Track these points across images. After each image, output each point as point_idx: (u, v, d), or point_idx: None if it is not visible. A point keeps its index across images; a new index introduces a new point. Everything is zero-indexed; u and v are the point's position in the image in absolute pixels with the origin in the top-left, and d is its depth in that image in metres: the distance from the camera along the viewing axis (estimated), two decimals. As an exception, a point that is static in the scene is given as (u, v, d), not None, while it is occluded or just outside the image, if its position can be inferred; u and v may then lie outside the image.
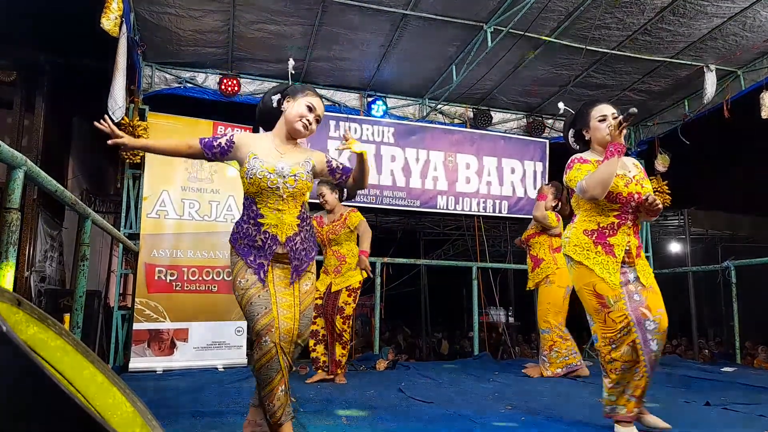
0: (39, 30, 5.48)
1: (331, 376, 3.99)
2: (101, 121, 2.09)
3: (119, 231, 4.72)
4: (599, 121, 2.51)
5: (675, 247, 12.70)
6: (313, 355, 4.05)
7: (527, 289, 4.71)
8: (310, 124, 2.26)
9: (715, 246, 10.93)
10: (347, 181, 2.40)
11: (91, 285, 4.63)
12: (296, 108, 2.25)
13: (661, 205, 2.38)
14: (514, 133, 6.74)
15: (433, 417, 2.82)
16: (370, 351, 5.95)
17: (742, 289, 5.55)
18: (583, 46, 4.97)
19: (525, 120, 6.77)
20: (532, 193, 6.49)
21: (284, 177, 2.20)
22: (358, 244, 4.16)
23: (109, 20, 3.61)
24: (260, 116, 2.40)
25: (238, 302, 2.24)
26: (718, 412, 2.98)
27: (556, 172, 6.68)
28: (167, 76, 5.53)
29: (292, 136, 2.31)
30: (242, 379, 3.96)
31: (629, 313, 2.35)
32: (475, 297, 6.05)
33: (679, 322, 8.84)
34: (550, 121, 6.86)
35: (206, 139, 2.25)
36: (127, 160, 5.02)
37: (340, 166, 2.39)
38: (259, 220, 2.21)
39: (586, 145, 2.62)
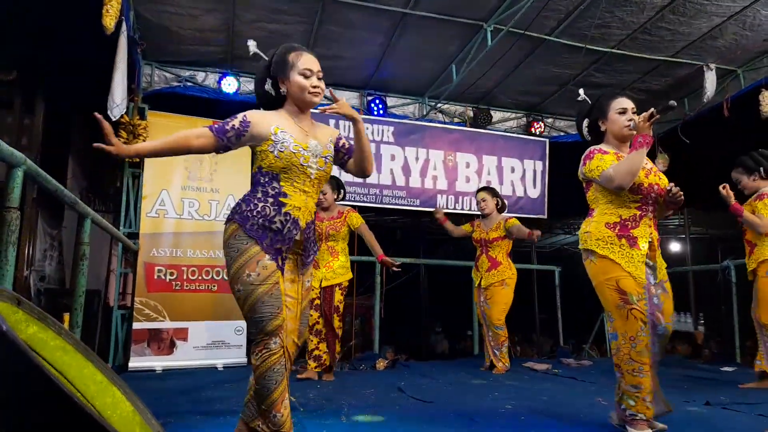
0: (39, 29, 5.46)
1: (325, 376, 4.05)
2: (97, 114, 1.81)
3: (119, 230, 4.72)
4: (619, 113, 2.49)
5: (675, 247, 12.71)
6: (316, 353, 4.06)
7: (483, 287, 4.78)
8: (317, 87, 2.06)
9: (715, 245, 10.90)
10: (348, 162, 2.21)
11: (91, 284, 4.61)
12: (294, 84, 2.05)
13: (683, 196, 2.36)
14: (514, 132, 6.74)
15: (433, 416, 2.81)
16: (370, 351, 5.94)
17: (742, 289, 5.54)
18: (583, 45, 4.97)
19: (525, 119, 6.76)
20: (532, 193, 6.49)
21: (316, 156, 2.04)
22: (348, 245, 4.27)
23: (110, 18, 3.60)
24: (268, 107, 2.16)
25: (238, 298, 1.93)
26: (718, 411, 2.97)
27: (556, 170, 6.66)
28: (167, 74, 5.53)
29: (304, 110, 2.12)
30: (242, 378, 3.94)
31: (647, 314, 2.33)
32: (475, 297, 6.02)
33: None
34: (549, 120, 6.85)
35: (217, 125, 1.97)
36: (127, 159, 5.01)
37: (347, 145, 2.20)
38: (281, 199, 1.96)
39: (598, 137, 2.60)
